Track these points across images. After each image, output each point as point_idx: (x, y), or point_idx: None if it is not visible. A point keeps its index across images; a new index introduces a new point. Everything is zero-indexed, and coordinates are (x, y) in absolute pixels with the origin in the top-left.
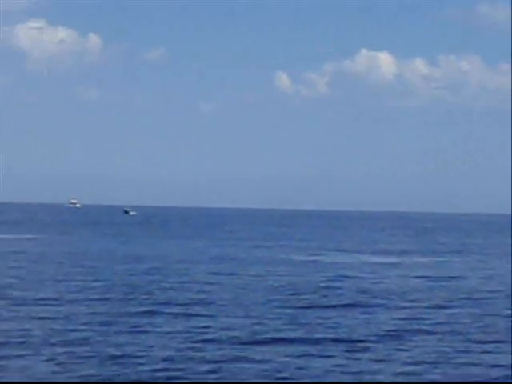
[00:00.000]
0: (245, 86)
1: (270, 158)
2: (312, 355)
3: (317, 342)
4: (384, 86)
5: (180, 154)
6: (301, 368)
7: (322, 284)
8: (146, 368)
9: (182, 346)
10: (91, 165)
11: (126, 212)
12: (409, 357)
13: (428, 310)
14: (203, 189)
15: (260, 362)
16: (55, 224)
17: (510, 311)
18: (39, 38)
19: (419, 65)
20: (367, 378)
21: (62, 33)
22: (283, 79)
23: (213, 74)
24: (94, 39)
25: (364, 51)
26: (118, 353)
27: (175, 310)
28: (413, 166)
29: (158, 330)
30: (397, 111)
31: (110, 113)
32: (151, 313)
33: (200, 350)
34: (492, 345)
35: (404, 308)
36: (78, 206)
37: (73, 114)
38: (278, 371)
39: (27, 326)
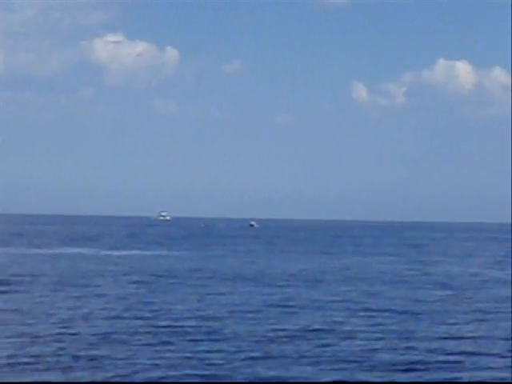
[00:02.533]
0: (322, 98)
1: (348, 170)
2: None
3: None
4: (463, 96)
5: (257, 166)
6: None
7: None
8: None
9: None
10: (170, 178)
11: (251, 225)
12: None
13: None
14: (280, 202)
15: None
16: (186, 238)
17: None
18: (117, 51)
19: (498, 74)
20: None
21: (140, 47)
22: (360, 90)
23: (289, 86)
24: (171, 52)
25: (442, 61)
26: None
27: None
28: (496, 175)
29: None
30: (476, 121)
31: (188, 126)
32: None
33: None
34: None
35: None
36: (168, 218)
37: (151, 128)
38: None
39: None
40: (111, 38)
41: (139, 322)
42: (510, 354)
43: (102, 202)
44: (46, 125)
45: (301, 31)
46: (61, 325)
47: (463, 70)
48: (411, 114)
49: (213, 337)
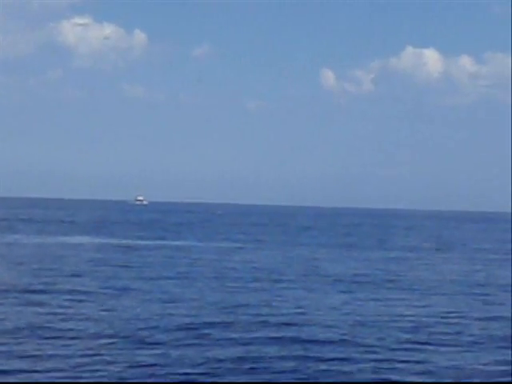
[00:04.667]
0: (291, 83)
1: (313, 156)
2: None
3: None
4: (430, 84)
5: (224, 151)
6: None
7: None
8: None
9: None
10: (139, 162)
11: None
12: None
13: None
14: (245, 186)
15: None
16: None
17: None
18: (85, 34)
19: (466, 62)
20: None
21: (108, 29)
22: (329, 76)
23: (257, 71)
24: (139, 36)
25: (410, 48)
26: None
27: None
28: (459, 164)
29: None
30: (442, 108)
31: (156, 110)
32: None
33: None
34: None
35: None
36: (144, 203)
37: (119, 111)
38: None
39: None
40: (79, 20)
41: None
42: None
43: (70, 185)
44: (13, 106)
45: (268, 16)
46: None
47: (431, 58)
48: (379, 100)
49: None
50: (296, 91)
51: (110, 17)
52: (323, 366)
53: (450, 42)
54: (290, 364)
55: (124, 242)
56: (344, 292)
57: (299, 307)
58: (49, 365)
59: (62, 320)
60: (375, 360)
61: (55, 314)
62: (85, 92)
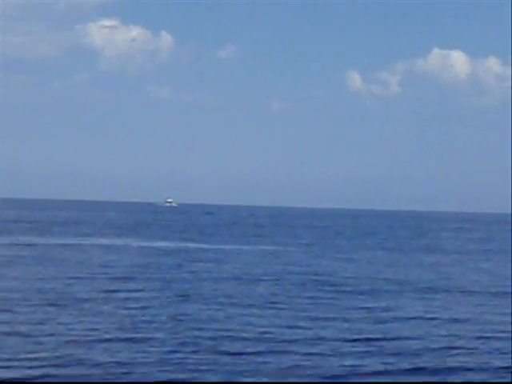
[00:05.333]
0: (317, 85)
1: (340, 158)
2: None
3: None
4: (457, 85)
5: (250, 152)
6: None
7: None
8: None
9: None
10: (167, 164)
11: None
12: None
13: None
14: (272, 188)
15: None
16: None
17: None
18: (112, 36)
19: (493, 64)
20: None
21: (135, 31)
22: (355, 78)
23: (284, 73)
24: (165, 38)
25: (436, 50)
26: None
27: None
28: (487, 165)
29: None
30: (470, 110)
31: (182, 111)
32: None
33: None
34: None
35: None
36: (174, 205)
37: (146, 113)
38: None
39: None
40: (106, 22)
41: None
42: None
43: (95, 186)
44: (39, 108)
45: (296, 18)
46: None
47: (458, 60)
48: (405, 102)
49: None
50: (321, 93)
51: (137, 19)
52: None
53: (477, 44)
54: None
55: (170, 245)
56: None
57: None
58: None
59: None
60: None
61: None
62: (111, 94)
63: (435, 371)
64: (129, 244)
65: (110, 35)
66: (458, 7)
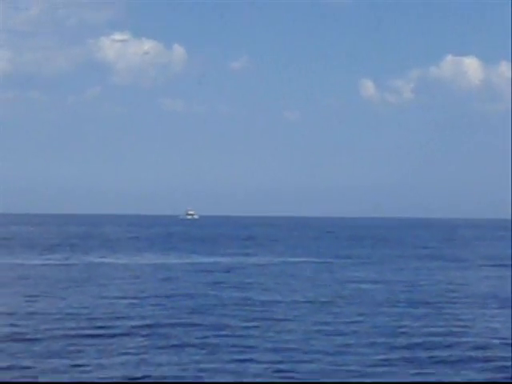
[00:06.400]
0: (330, 94)
1: (353, 166)
2: None
3: None
4: (471, 92)
5: (265, 162)
6: None
7: None
8: None
9: None
10: (183, 176)
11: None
12: None
13: None
14: (289, 197)
15: None
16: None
17: None
18: (124, 50)
19: (504, 68)
20: None
21: (147, 45)
22: (368, 86)
23: (297, 82)
24: (178, 50)
25: (450, 57)
26: None
27: None
28: (503, 171)
29: None
30: (484, 116)
31: (196, 123)
32: None
33: None
34: None
35: None
36: (195, 217)
37: (159, 126)
38: None
39: None
40: (118, 36)
41: None
42: None
43: (104, 200)
44: (52, 124)
45: (308, 27)
46: None
47: (471, 66)
48: (419, 110)
49: None
50: (335, 101)
51: (149, 32)
52: None
53: (490, 50)
54: None
55: (216, 260)
56: None
57: None
58: None
59: None
60: None
61: None
62: (124, 108)
63: None
64: (172, 260)
65: (122, 49)
66: (470, 13)
